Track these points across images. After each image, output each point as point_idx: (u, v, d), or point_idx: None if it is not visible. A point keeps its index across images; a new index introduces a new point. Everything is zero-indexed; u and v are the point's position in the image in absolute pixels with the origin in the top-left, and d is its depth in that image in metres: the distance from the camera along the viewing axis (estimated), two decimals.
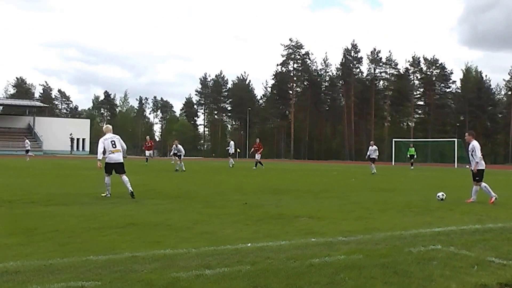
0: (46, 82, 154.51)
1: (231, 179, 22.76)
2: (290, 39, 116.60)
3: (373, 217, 10.58)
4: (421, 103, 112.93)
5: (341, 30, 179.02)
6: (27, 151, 46.88)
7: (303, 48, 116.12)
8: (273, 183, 20.71)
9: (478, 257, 6.61)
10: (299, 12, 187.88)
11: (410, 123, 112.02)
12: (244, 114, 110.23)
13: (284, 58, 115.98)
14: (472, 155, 14.23)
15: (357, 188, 19.01)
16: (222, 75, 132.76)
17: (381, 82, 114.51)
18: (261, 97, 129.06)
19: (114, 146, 14.04)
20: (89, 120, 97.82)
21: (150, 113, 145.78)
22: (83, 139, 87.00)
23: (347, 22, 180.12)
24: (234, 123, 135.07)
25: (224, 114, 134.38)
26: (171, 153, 32.51)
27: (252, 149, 38.35)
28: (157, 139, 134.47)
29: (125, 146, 14.49)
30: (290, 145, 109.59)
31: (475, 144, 14.15)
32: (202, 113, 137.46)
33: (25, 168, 29.39)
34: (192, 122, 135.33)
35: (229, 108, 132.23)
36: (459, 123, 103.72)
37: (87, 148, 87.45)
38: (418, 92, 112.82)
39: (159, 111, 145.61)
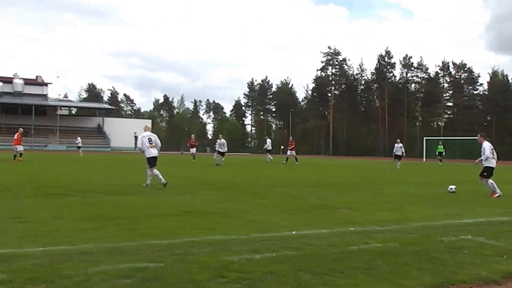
0: (113, 87, 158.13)
1: (276, 173, 22.73)
2: (328, 47, 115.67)
3: (406, 209, 10.39)
4: (450, 104, 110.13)
5: (375, 38, 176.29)
6: (79, 147, 47.29)
7: (340, 55, 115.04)
8: (314, 177, 20.59)
9: (506, 247, 6.42)
10: (337, 23, 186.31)
11: (440, 123, 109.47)
12: (287, 114, 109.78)
13: (323, 64, 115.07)
14: (482, 153, 14.25)
15: (390, 182, 18.71)
16: (267, 80, 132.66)
17: (413, 85, 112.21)
18: (302, 99, 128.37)
19: (150, 142, 14.32)
20: (150, 121, 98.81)
21: (203, 114, 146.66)
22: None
23: (381, 31, 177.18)
24: (278, 123, 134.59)
25: (269, 115, 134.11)
26: (215, 149, 31.24)
27: (289, 146, 37.81)
28: (210, 137, 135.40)
29: (159, 144, 14.75)
30: (329, 143, 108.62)
31: (485, 145, 14.22)
32: (250, 114, 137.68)
33: (95, 162, 30.05)
34: (241, 122, 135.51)
35: (273, 110, 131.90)
36: (486, 122, 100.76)
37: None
38: (447, 94, 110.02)
39: (211, 112, 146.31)
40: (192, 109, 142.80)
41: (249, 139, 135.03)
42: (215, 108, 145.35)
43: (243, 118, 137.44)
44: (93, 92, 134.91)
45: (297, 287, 4.52)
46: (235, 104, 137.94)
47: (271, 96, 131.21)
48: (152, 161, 14.30)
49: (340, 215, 9.25)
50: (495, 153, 14.24)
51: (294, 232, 7.18)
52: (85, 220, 7.88)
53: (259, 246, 6.15)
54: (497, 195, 13.30)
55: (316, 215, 9.14)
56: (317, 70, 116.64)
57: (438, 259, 5.66)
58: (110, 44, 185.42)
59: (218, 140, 31.43)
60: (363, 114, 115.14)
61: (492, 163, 14.01)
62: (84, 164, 27.10)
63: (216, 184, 15.20)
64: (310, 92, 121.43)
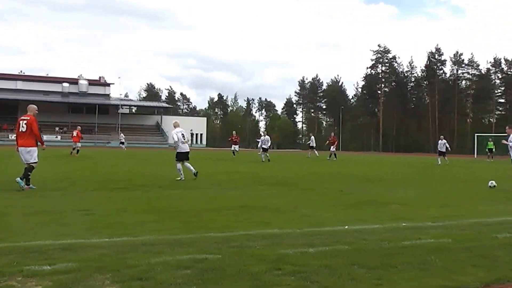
0: (170, 86, 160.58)
1: (326, 169, 22.54)
2: (378, 45, 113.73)
3: (458, 205, 10.09)
4: (502, 100, 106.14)
5: (425, 35, 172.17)
6: (122, 143, 47.85)
7: (390, 53, 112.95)
8: (365, 173, 20.29)
9: None
10: (387, 21, 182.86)
11: (491, 119, 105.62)
12: (337, 112, 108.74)
13: (373, 62, 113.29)
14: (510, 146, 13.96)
15: (441, 178, 18.21)
16: (317, 78, 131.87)
17: (463, 82, 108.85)
18: (352, 96, 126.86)
19: (183, 138, 14.57)
20: (205, 118, 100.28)
21: (256, 112, 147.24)
22: (201, 134, 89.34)
23: (431, 28, 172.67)
24: (328, 120, 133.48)
25: (319, 112, 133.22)
26: (259, 145, 30.46)
27: (327, 141, 37.38)
28: (262, 135, 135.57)
29: (189, 139, 14.73)
30: (379, 139, 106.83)
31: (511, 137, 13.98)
32: (301, 111, 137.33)
33: (156, 158, 30.67)
34: (292, 119, 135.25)
35: (324, 107, 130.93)
36: None
37: (204, 141, 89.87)
38: (499, 91, 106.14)
39: (263, 110, 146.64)
40: (245, 107, 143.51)
41: (300, 136, 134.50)
42: (267, 106, 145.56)
43: (294, 116, 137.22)
44: (151, 92, 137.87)
45: (351, 281, 4.47)
46: (286, 102, 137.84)
47: (321, 94, 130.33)
48: (183, 156, 14.59)
49: (391, 211, 9.08)
50: None
51: (346, 227, 7.10)
52: (147, 213, 8.04)
53: (313, 240, 6.11)
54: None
55: (367, 211, 9.00)
56: (367, 68, 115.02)
57: (493, 255, 5.46)
58: (167, 45, 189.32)
59: (262, 137, 30.98)
60: (413, 111, 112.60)
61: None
62: (144, 160, 27.70)
63: (269, 180, 15.20)
64: (360, 89, 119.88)
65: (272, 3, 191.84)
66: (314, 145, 38.69)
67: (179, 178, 14.16)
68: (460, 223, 7.71)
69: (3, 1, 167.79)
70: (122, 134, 50.55)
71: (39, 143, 11.54)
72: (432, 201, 10.66)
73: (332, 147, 35.57)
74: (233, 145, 36.00)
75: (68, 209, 8.24)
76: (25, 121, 11.39)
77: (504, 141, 14.19)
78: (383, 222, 7.65)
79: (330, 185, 13.94)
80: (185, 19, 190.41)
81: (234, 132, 39.15)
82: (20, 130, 11.39)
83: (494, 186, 13.77)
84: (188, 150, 14.89)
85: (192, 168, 14.53)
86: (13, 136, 69.98)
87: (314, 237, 6.29)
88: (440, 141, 31.16)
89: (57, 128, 74.75)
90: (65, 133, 74.92)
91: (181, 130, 14.85)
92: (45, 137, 74.42)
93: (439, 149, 31.11)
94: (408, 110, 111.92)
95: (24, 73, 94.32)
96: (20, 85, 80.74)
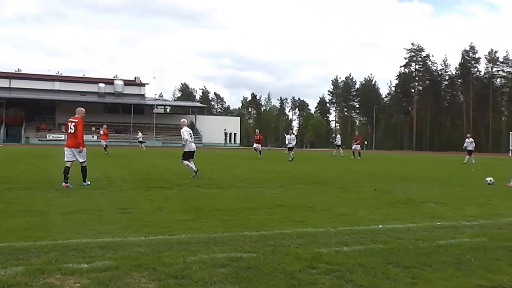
0: (204, 86, 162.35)
1: (361, 168, 22.32)
2: (412, 43, 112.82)
3: (494, 204, 9.88)
4: None
5: (459, 33, 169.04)
6: (140, 142, 48.03)
7: (424, 51, 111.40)
8: (399, 172, 20.01)
9: None
10: (421, 19, 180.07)
11: None
12: (371, 110, 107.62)
13: (407, 61, 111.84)
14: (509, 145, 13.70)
15: (476, 176, 17.79)
16: (351, 77, 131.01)
17: (498, 80, 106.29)
18: (386, 95, 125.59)
19: (191, 137, 14.88)
20: (239, 118, 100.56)
21: (289, 111, 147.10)
22: (235, 134, 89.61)
23: (465, 26, 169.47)
24: (362, 119, 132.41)
25: (353, 111, 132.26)
26: (291, 144, 29.60)
27: (353, 140, 37.00)
28: (295, 134, 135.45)
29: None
30: (413, 138, 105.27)
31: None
32: (334, 110, 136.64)
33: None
34: (325, 118, 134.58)
35: (357, 106, 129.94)
36: None
37: (237, 141, 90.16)
38: None
39: (297, 109, 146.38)
40: (279, 107, 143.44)
41: (333, 135, 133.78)
42: (300, 105, 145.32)
43: (328, 115, 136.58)
44: (186, 92, 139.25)
45: (386, 280, 4.43)
46: (319, 101, 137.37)
47: (355, 93, 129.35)
48: (190, 155, 14.92)
49: (426, 210, 8.94)
50: None
51: (381, 226, 7.03)
52: (183, 211, 8.10)
53: (348, 239, 6.07)
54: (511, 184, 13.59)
55: (402, 209, 8.89)
56: (401, 66, 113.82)
57: None
58: (202, 45, 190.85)
59: (288, 136, 30.19)
60: (447, 109, 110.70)
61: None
62: (179, 159, 27.92)
63: (304, 178, 15.14)
64: (393, 88, 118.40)
65: (306, 2, 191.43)
66: (340, 143, 38.58)
67: (193, 175, 14.40)
68: (497, 222, 7.58)
69: (43, 3, 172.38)
70: (140, 133, 50.78)
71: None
72: (467, 200, 10.45)
73: (356, 145, 35.33)
74: (255, 144, 34.14)
75: (106, 207, 8.38)
76: (73, 123, 11.96)
77: None
78: (418, 221, 7.56)
79: (365, 184, 13.80)
80: (220, 19, 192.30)
81: (257, 130, 37.54)
82: (69, 131, 12.00)
83: (491, 183, 14.12)
84: (195, 150, 15.19)
85: (194, 167, 14.72)
86: (51, 136, 71.63)
87: (348, 236, 6.25)
88: (467, 139, 30.43)
89: (93, 128, 76.08)
90: (128, 133, 76.35)
91: (189, 130, 15.08)
92: None
93: (466, 147, 30.40)
94: (442, 109, 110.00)
95: (61, 74, 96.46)
96: (57, 85, 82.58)
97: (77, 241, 5.63)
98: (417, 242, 5.96)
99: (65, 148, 12.02)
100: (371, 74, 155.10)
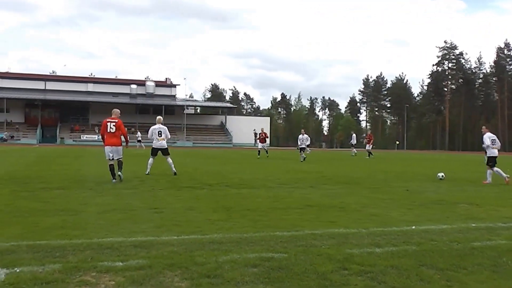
0: (234, 87, 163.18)
1: (392, 168, 22.08)
2: (444, 41, 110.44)
3: None
4: None
5: (494, 30, 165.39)
6: (139, 141, 47.88)
7: (457, 49, 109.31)
8: (431, 172, 19.65)
9: None
10: (454, 16, 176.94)
11: None
12: (402, 110, 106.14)
13: (440, 59, 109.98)
14: (482, 143, 15.24)
15: None
16: (382, 76, 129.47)
17: None
18: (417, 94, 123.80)
19: (159, 135, 15.12)
20: (269, 118, 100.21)
21: (319, 111, 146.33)
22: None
23: (500, 23, 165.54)
24: (393, 118, 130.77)
25: (383, 111, 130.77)
26: (303, 144, 28.42)
27: (365, 140, 36.68)
28: (325, 133, 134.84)
29: (169, 136, 15.48)
30: (445, 138, 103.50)
31: (484, 136, 15.22)
32: (364, 110, 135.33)
33: (220, 157, 31.06)
34: (355, 118, 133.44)
35: (388, 105, 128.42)
36: None
37: (267, 141, 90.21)
38: None
39: (327, 109, 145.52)
40: (308, 106, 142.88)
41: (364, 135, 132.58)
42: (330, 105, 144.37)
43: (358, 114, 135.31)
44: (216, 92, 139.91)
45: (420, 282, 4.37)
46: (350, 100, 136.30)
47: (385, 92, 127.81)
48: (164, 152, 15.32)
49: (461, 211, 8.79)
50: (497, 142, 15.23)
51: (414, 227, 6.94)
52: (214, 211, 8.15)
53: (380, 240, 6.02)
54: (507, 179, 14.37)
55: (435, 210, 8.76)
56: (433, 65, 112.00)
57: None
58: (231, 46, 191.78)
59: (301, 135, 29.23)
60: (480, 108, 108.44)
61: (493, 152, 14.99)
62: (209, 159, 28.11)
63: (334, 179, 15.07)
64: (425, 87, 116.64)
65: (335, 1, 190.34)
66: (355, 142, 38.58)
67: (147, 173, 14.98)
68: None
69: (75, 7, 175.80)
70: (139, 132, 50.78)
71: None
72: (503, 201, 10.24)
73: (368, 145, 35.17)
74: (260, 143, 31.87)
75: (139, 207, 8.50)
76: (113, 123, 13.17)
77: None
78: (452, 222, 7.44)
79: (396, 184, 13.65)
80: (249, 19, 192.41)
81: (262, 128, 34.38)
82: (109, 131, 13.11)
83: (442, 178, 15.19)
84: (165, 146, 15.40)
85: (172, 166, 15.11)
86: (84, 137, 72.88)
87: (380, 237, 6.19)
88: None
89: (125, 129, 77.40)
90: (133, 134, 77.43)
91: (158, 127, 15.33)
92: None
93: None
94: (475, 108, 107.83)
95: (94, 75, 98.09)
96: (90, 87, 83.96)
97: (112, 239, 5.73)
98: (452, 244, 5.87)
99: (106, 146, 13.09)
100: (402, 73, 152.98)
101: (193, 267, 4.61)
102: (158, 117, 15.92)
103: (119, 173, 12.94)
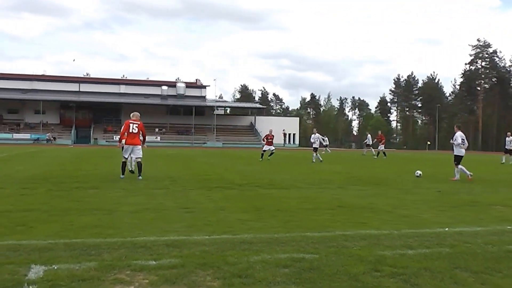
0: (263, 87, 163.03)
1: (423, 169, 21.71)
2: (478, 39, 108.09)
3: None
4: None
5: None
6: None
7: (491, 47, 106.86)
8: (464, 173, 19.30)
9: None
10: (487, 13, 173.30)
11: None
12: (434, 110, 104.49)
13: (472, 57, 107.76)
14: (453, 141, 15.77)
15: None
16: (413, 76, 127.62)
17: None
18: (449, 94, 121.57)
19: (134, 131, 14.33)
20: (298, 118, 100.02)
21: (349, 111, 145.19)
22: (294, 134, 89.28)
23: None
24: (424, 118, 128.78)
25: (414, 111, 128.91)
26: (324, 144, 26.53)
27: (375, 140, 36.22)
28: (355, 134, 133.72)
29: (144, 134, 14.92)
30: (478, 138, 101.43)
31: (457, 134, 15.77)
32: (395, 110, 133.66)
33: (250, 157, 31.11)
34: (386, 118, 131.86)
35: (419, 105, 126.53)
36: None
37: (297, 141, 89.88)
38: None
39: (356, 109, 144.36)
40: (338, 107, 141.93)
41: (394, 135, 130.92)
42: (360, 105, 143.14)
43: (388, 114, 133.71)
44: (245, 93, 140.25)
45: (454, 285, 4.29)
46: (380, 100, 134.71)
47: (417, 92, 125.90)
48: (129, 150, 14.66)
49: (495, 213, 8.61)
50: (466, 142, 15.75)
51: (447, 229, 6.82)
52: (244, 211, 8.17)
53: (412, 241, 5.94)
54: (469, 177, 15.07)
55: (469, 212, 8.60)
56: (466, 63, 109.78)
57: None
58: (260, 47, 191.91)
59: (313, 135, 27.98)
60: None
61: (461, 152, 15.61)
62: (239, 160, 28.20)
63: (364, 179, 14.94)
64: (457, 86, 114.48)
65: (366, 0, 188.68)
66: (371, 143, 38.20)
67: (130, 169, 14.93)
68: None
69: (107, 10, 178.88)
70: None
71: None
72: None
73: (380, 145, 34.91)
74: (267, 146, 28.12)
75: (170, 207, 8.58)
76: (136, 125, 14.01)
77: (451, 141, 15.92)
78: (486, 225, 7.29)
79: (427, 185, 13.45)
80: (279, 20, 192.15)
81: (271, 130, 30.02)
82: (131, 131, 13.93)
83: (420, 175, 16.02)
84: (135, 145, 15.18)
85: (133, 165, 14.86)
86: (117, 137, 74.14)
87: (412, 239, 6.11)
88: (507, 138, 28.72)
89: (156, 129, 78.10)
90: (164, 134, 78.24)
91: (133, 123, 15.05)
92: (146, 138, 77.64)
93: (506, 147, 28.85)
94: (510, 107, 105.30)
95: (126, 77, 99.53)
96: (123, 89, 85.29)
97: (145, 238, 5.80)
98: (486, 246, 5.75)
99: (126, 145, 13.85)
100: (433, 72, 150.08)
101: (224, 267, 4.64)
102: (135, 113, 15.52)
103: (140, 177, 13.49)
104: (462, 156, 15.59)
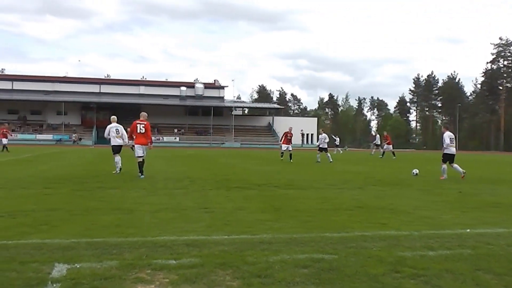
0: (281, 88, 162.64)
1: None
2: (500, 38, 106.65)
3: None
4: None
5: None
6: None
7: None
8: (486, 174, 19.07)
9: None
10: (510, 11, 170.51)
11: None
12: (454, 109, 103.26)
13: (494, 56, 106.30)
14: (442, 142, 16.08)
15: None
16: (433, 75, 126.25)
17: None
18: (470, 93, 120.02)
19: (117, 133, 15.74)
20: (316, 119, 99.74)
21: (367, 111, 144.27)
22: (311, 134, 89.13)
23: None
24: (444, 118, 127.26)
25: (434, 110, 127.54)
26: (323, 144, 25.94)
27: (384, 140, 36.06)
28: (373, 134, 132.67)
29: (125, 134, 15.97)
30: (500, 138, 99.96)
31: (444, 134, 16.08)
32: (414, 110, 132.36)
33: (268, 158, 31.12)
34: (405, 118, 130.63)
35: (439, 105, 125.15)
36: None
37: (315, 142, 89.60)
38: None
39: (375, 109, 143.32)
40: (356, 107, 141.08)
41: (414, 135, 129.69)
42: (379, 105, 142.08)
43: (407, 114, 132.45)
44: (263, 93, 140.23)
45: (476, 287, 4.24)
46: (399, 100, 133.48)
47: (437, 91, 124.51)
48: (116, 149, 15.77)
49: None
50: (453, 141, 16.03)
51: (468, 230, 6.73)
52: (263, 212, 8.18)
53: (432, 243, 5.88)
54: (444, 177, 15.44)
55: (491, 213, 8.48)
56: (487, 62, 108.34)
57: None
58: (278, 47, 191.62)
59: (320, 135, 27.37)
60: None
61: (450, 150, 15.82)
62: (257, 160, 28.22)
63: (383, 180, 14.83)
64: (479, 86, 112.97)
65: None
66: (379, 143, 38.25)
67: (114, 172, 15.47)
68: None
69: (128, 12, 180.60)
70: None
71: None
72: None
73: (387, 145, 34.78)
74: (285, 145, 27.35)
75: (190, 206, 8.63)
76: (142, 125, 14.49)
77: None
78: (509, 226, 7.19)
79: (448, 186, 13.30)
80: (297, 20, 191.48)
81: (291, 127, 29.18)
82: (139, 131, 14.46)
83: (417, 174, 16.65)
84: (121, 144, 15.96)
85: (119, 164, 15.67)
86: None
87: (433, 240, 6.05)
88: None
89: (175, 130, 78.59)
90: (182, 135, 78.64)
91: (115, 126, 15.85)
92: (165, 138, 77.55)
93: None
94: None
95: (145, 78, 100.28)
96: (142, 90, 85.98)
97: (165, 238, 5.84)
98: (509, 248, 5.67)
99: (137, 145, 14.50)
100: (454, 72, 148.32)
101: (244, 267, 4.65)
102: (113, 116, 16.61)
103: (142, 176, 13.98)
104: (452, 155, 15.74)
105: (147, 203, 8.90)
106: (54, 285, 4.05)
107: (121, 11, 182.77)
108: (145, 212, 7.89)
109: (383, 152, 34.85)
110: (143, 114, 15.10)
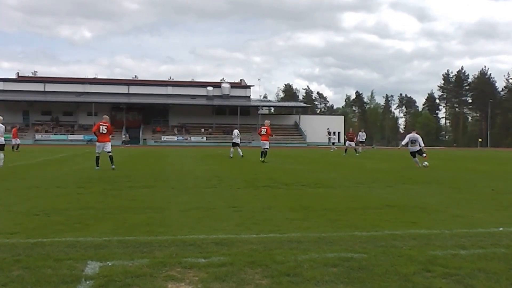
0: (308, 86, 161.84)
1: (476, 166, 21.11)
2: None
3: None
4: None
5: None
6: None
7: None
8: None
9: None
10: None
11: None
12: (485, 106, 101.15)
13: None
14: (418, 142, 19.79)
15: None
16: (463, 71, 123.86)
17: None
18: (502, 89, 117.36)
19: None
20: (343, 117, 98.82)
21: (395, 109, 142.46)
22: (338, 133, 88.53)
23: None
24: (475, 114, 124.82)
25: (465, 107, 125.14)
26: (360, 142, 28.54)
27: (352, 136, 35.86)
28: (402, 132, 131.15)
29: (2, 132, 17.05)
30: None
31: (406, 136, 20.54)
32: (444, 107, 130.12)
33: (295, 156, 31.04)
34: (434, 115, 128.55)
35: (469, 101, 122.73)
36: None
37: (341, 140, 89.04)
38: None
39: (403, 106, 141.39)
40: (384, 104, 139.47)
41: (443, 133, 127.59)
42: (407, 102, 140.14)
43: (437, 111, 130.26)
44: (289, 92, 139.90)
45: (511, 286, 4.15)
46: (428, 97, 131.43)
47: (467, 87, 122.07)
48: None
49: None
50: (417, 143, 19.74)
51: (501, 229, 6.60)
52: (292, 210, 8.17)
53: (464, 241, 5.78)
54: (418, 165, 19.26)
55: None
56: None
57: None
58: (304, 45, 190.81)
59: (360, 133, 29.90)
60: None
61: (413, 149, 19.90)
62: (284, 159, 28.18)
63: (414, 178, 14.63)
64: (511, 81, 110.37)
65: None
66: (364, 140, 39.40)
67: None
68: None
69: (157, 13, 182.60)
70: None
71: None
72: None
73: (348, 142, 34.84)
74: (348, 142, 34.60)
75: (219, 205, 8.68)
76: (105, 126, 16.87)
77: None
78: None
79: (481, 184, 13.05)
80: (325, 18, 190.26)
81: (351, 129, 37.56)
82: (101, 132, 16.84)
83: (427, 165, 18.58)
84: (2, 143, 17.17)
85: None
86: (165, 138, 75.44)
87: (465, 238, 5.95)
88: None
89: (203, 130, 79.05)
90: (210, 134, 79.05)
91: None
92: (192, 138, 77.75)
93: None
94: None
95: (173, 79, 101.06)
96: (170, 90, 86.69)
97: (194, 237, 5.89)
98: None
99: (98, 143, 16.94)
100: (485, 67, 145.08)
101: (273, 265, 4.65)
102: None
103: (113, 166, 16.59)
104: (414, 152, 19.95)
105: (177, 202, 8.99)
106: (88, 282, 4.13)
107: (150, 12, 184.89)
108: (175, 211, 7.98)
109: (345, 149, 34.34)
110: (105, 117, 17.38)
